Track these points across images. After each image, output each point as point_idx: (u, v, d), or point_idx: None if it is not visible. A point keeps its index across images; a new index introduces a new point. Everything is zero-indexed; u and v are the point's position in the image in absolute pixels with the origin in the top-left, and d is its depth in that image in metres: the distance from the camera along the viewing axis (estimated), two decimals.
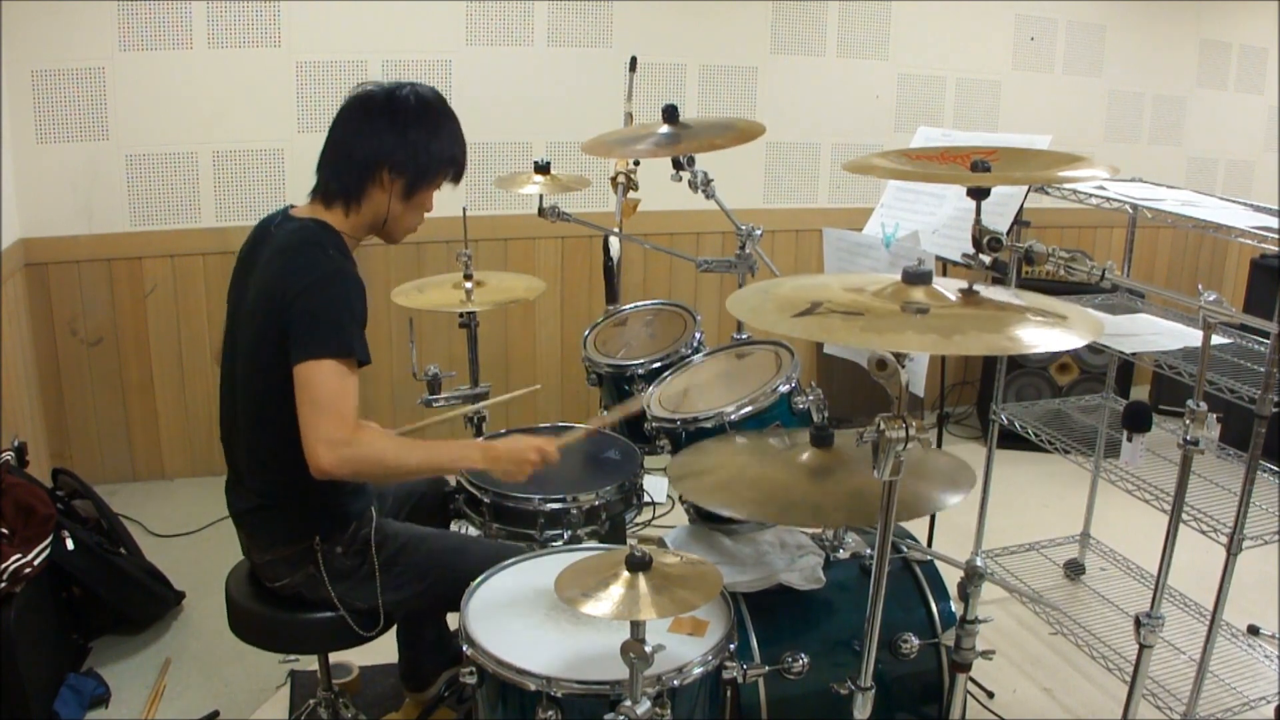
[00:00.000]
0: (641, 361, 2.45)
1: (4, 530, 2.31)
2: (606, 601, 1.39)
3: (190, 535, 3.39)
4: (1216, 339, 2.05)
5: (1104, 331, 1.33)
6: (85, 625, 2.72)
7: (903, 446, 1.31)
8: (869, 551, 2.00)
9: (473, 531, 2.19)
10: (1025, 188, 2.57)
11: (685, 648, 1.59)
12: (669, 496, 3.62)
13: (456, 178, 1.96)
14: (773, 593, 1.89)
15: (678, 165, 2.32)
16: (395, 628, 2.23)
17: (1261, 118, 5.05)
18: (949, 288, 1.40)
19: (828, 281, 1.48)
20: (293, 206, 1.93)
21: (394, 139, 1.84)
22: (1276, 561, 2.94)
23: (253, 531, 1.96)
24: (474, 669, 1.60)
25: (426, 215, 1.97)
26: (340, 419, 1.68)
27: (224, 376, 1.94)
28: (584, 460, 2.34)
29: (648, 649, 1.39)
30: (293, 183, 3.68)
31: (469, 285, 2.63)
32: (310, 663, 2.51)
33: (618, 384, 2.49)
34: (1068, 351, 4.20)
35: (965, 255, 1.89)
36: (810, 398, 2.02)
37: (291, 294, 1.74)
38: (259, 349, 1.79)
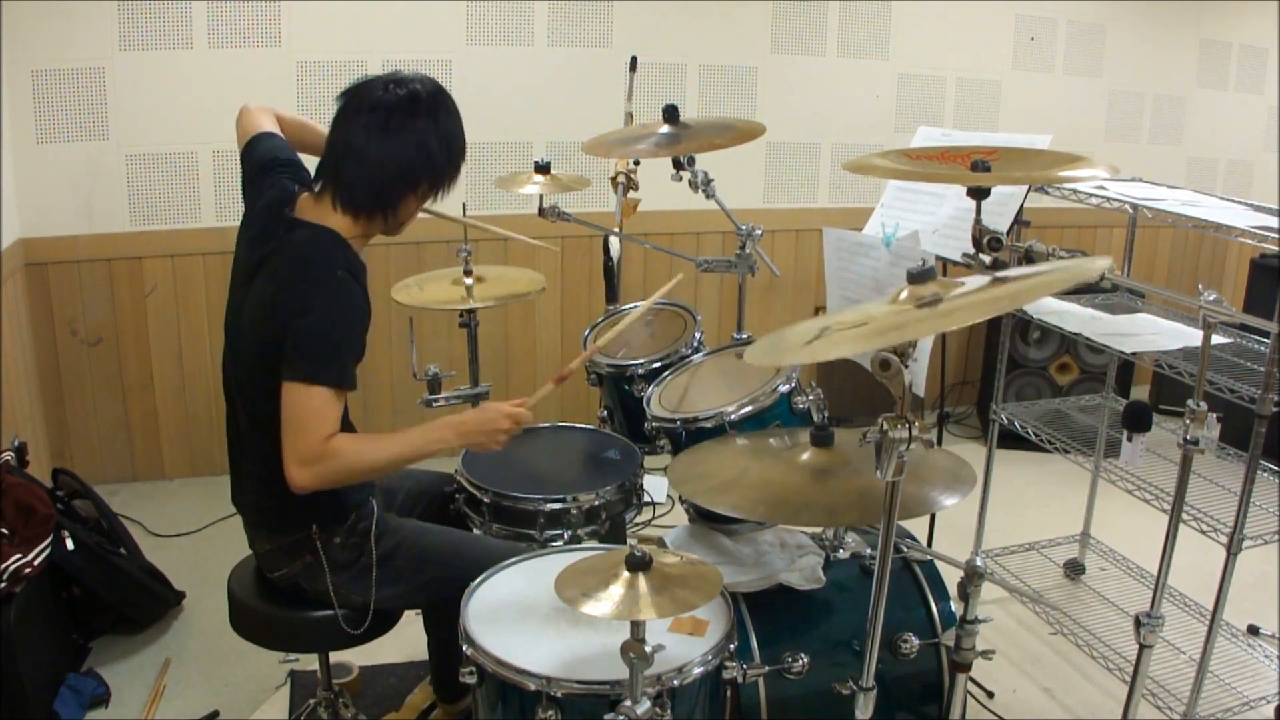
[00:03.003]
0: (641, 361, 2.45)
1: (4, 530, 2.31)
2: (606, 601, 1.39)
3: (190, 535, 3.38)
4: (1216, 339, 2.05)
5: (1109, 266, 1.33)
6: (85, 625, 2.72)
7: (906, 446, 1.31)
8: (869, 551, 2.00)
9: (474, 531, 2.19)
10: (1025, 187, 2.57)
11: (685, 648, 1.59)
12: (669, 496, 3.62)
13: None
14: (773, 593, 1.89)
15: (678, 165, 2.32)
16: (427, 640, 2.24)
17: (1261, 118, 5.05)
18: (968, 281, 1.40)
19: (835, 315, 1.48)
20: (300, 192, 1.89)
21: (438, 144, 1.82)
22: (1276, 561, 2.95)
23: (254, 521, 1.96)
24: (474, 669, 1.60)
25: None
26: (316, 437, 1.70)
27: (225, 373, 1.93)
28: (584, 460, 2.35)
29: (648, 649, 1.39)
30: None
31: (469, 281, 2.63)
32: (310, 663, 2.51)
33: (618, 384, 2.49)
34: (1067, 351, 4.21)
35: (965, 255, 1.89)
36: (810, 397, 2.02)
37: (296, 310, 1.73)
38: (262, 356, 1.78)
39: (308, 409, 1.71)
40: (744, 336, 2.37)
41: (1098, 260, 1.36)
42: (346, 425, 1.94)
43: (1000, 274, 1.39)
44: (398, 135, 1.80)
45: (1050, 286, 1.34)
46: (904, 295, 1.37)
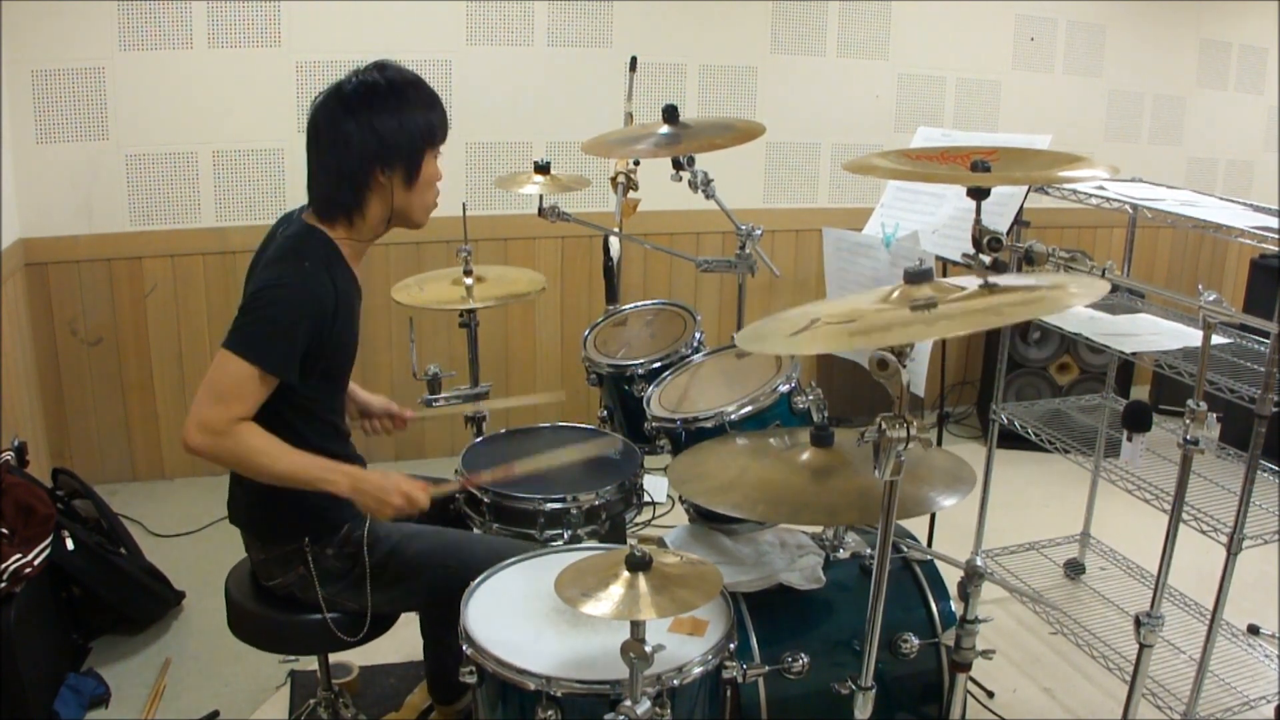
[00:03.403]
0: (641, 361, 2.45)
1: (4, 530, 2.31)
2: (606, 601, 1.39)
3: (190, 535, 3.39)
4: (1216, 339, 2.05)
5: (1106, 291, 1.34)
6: (85, 625, 2.72)
7: (904, 446, 1.31)
8: (869, 551, 2.00)
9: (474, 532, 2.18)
10: (1025, 188, 2.57)
11: (685, 648, 1.59)
12: (669, 496, 3.62)
13: (442, 138, 1.93)
14: (773, 593, 1.89)
15: (678, 165, 2.32)
16: (422, 641, 2.23)
17: (1261, 118, 5.05)
18: (959, 283, 1.40)
19: (830, 306, 1.48)
20: (308, 208, 1.94)
21: (367, 138, 1.81)
22: (1276, 561, 2.94)
23: (248, 529, 1.97)
24: (474, 669, 1.60)
25: (439, 187, 1.96)
26: (225, 411, 1.71)
27: None
28: (584, 460, 2.34)
29: (648, 649, 1.39)
30: (293, 183, 3.67)
31: (469, 281, 2.63)
32: (310, 663, 2.51)
33: (618, 384, 2.49)
34: (1067, 350, 4.21)
35: (965, 255, 1.89)
36: (810, 397, 2.02)
37: (257, 285, 1.79)
38: None
39: (227, 377, 1.72)
40: None
41: (1097, 283, 1.36)
42: (331, 422, 1.94)
43: (994, 280, 1.39)
44: (333, 140, 1.83)
45: (1046, 306, 1.33)
46: (897, 294, 1.37)
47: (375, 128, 1.81)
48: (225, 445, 1.72)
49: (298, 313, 1.76)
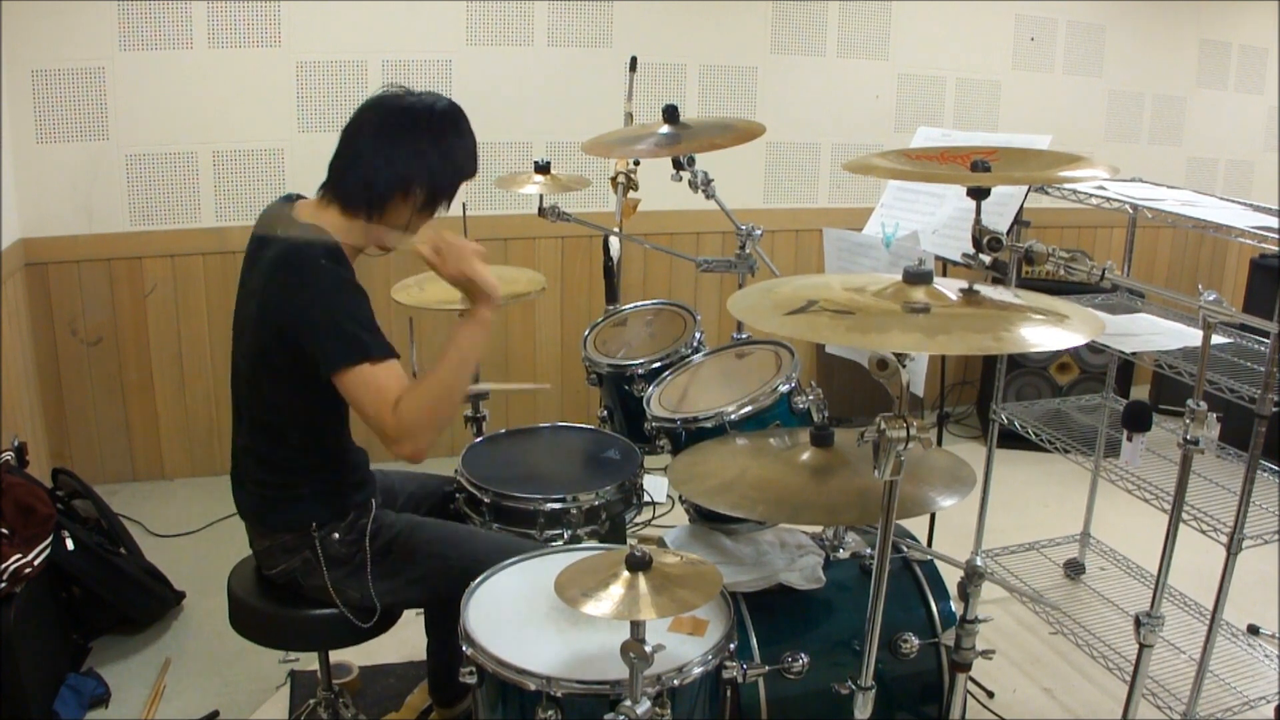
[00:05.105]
0: (641, 361, 2.45)
1: (4, 530, 2.31)
2: (606, 601, 1.39)
3: (190, 535, 3.38)
4: (1216, 339, 2.05)
5: (1103, 331, 1.33)
6: (85, 625, 2.72)
7: (904, 446, 1.31)
8: (869, 551, 2.00)
9: None
10: (1025, 188, 2.57)
11: (685, 647, 1.59)
12: (669, 496, 3.61)
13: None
14: (773, 593, 1.89)
15: (678, 165, 2.32)
16: (426, 640, 2.24)
17: (1261, 118, 5.06)
18: (949, 287, 1.41)
19: (829, 281, 1.48)
20: (298, 198, 1.92)
21: (437, 156, 1.86)
22: (1276, 561, 2.95)
23: (253, 519, 1.97)
24: (474, 669, 1.60)
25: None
26: (386, 414, 1.71)
27: (233, 368, 1.95)
28: (584, 460, 2.35)
29: (648, 649, 1.39)
30: (293, 183, 3.67)
31: None
32: (310, 662, 2.51)
33: (618, 384, 2.49)
34: (1067, 351, 4.21)
35: (965, 255, 1.89)
36: (810, 397, 2.02)
37: (295, 310, 1.75)
38: (263, 356, 1.81)
39: (361, 392, 1.72)
40: (744, 336, 2.37)
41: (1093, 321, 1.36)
42: (341, 413, 1.94)
43: (979, 288, 1.39)
44: (399, 139, 1.84)
45: (1033, 344, 1.32)
46: (891, 291, 1.37)
47: (448, 148, 1.90)
48: (416, 427, 1.71)
49: (351, 303, 1.77)
